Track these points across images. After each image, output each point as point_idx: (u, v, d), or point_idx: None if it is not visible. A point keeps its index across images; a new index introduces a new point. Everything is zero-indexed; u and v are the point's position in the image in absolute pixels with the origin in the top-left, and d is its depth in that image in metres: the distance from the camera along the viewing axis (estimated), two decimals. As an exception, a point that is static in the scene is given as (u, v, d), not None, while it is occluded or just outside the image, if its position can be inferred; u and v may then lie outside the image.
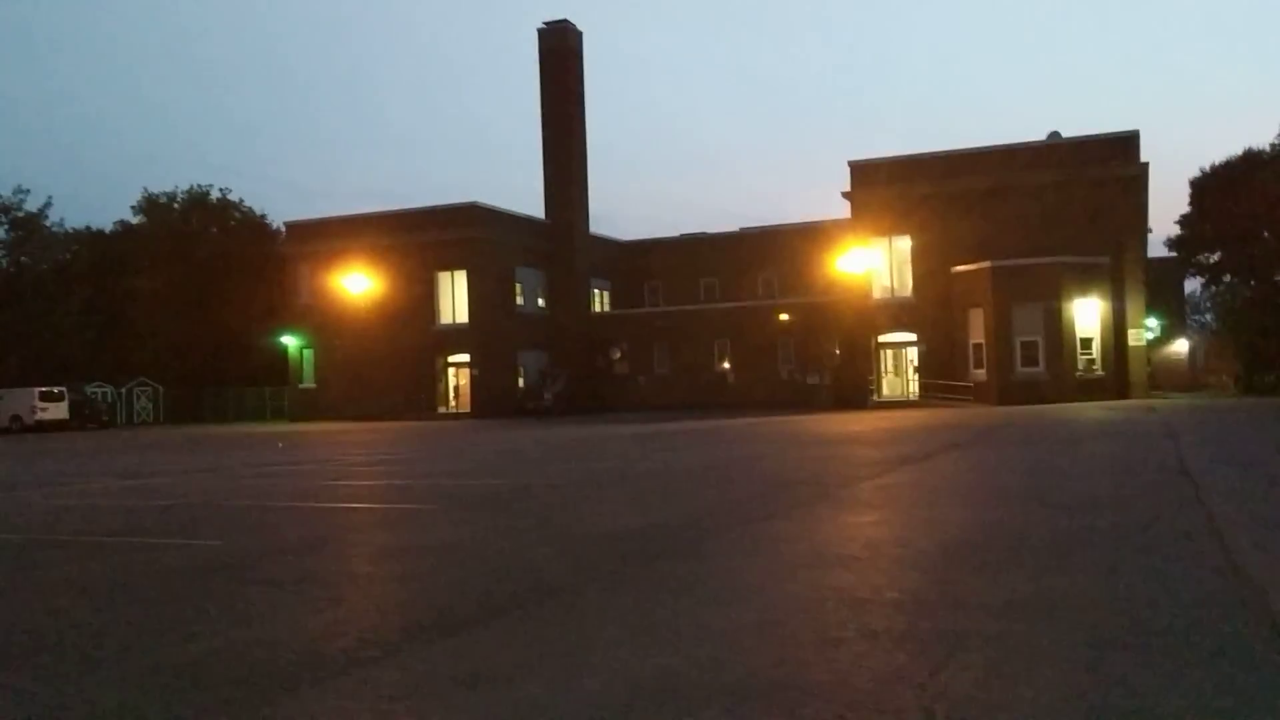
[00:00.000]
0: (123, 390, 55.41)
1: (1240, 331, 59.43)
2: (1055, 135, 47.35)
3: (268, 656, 5.08)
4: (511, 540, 8.88)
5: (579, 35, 58.15)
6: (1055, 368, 41.02)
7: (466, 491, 13.59)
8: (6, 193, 56.11)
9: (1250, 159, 59.05)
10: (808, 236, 56.07)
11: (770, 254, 58.88)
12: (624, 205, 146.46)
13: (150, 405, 56.56)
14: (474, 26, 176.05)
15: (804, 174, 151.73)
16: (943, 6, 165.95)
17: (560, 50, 57.03)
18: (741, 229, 63.45)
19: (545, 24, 57.42)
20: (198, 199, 62.47)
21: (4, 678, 4.89)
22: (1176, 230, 58.98)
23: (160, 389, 56.87)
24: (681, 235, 65.04)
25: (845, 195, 46.69)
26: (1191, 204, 58.43)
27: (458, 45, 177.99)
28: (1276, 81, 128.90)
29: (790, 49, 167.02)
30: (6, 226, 56.23)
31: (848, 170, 46.74)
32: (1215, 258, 61.33)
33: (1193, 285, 68.86)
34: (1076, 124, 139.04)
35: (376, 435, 35.06)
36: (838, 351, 49.33)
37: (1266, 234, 59.22)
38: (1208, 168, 59.26)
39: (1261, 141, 59.93)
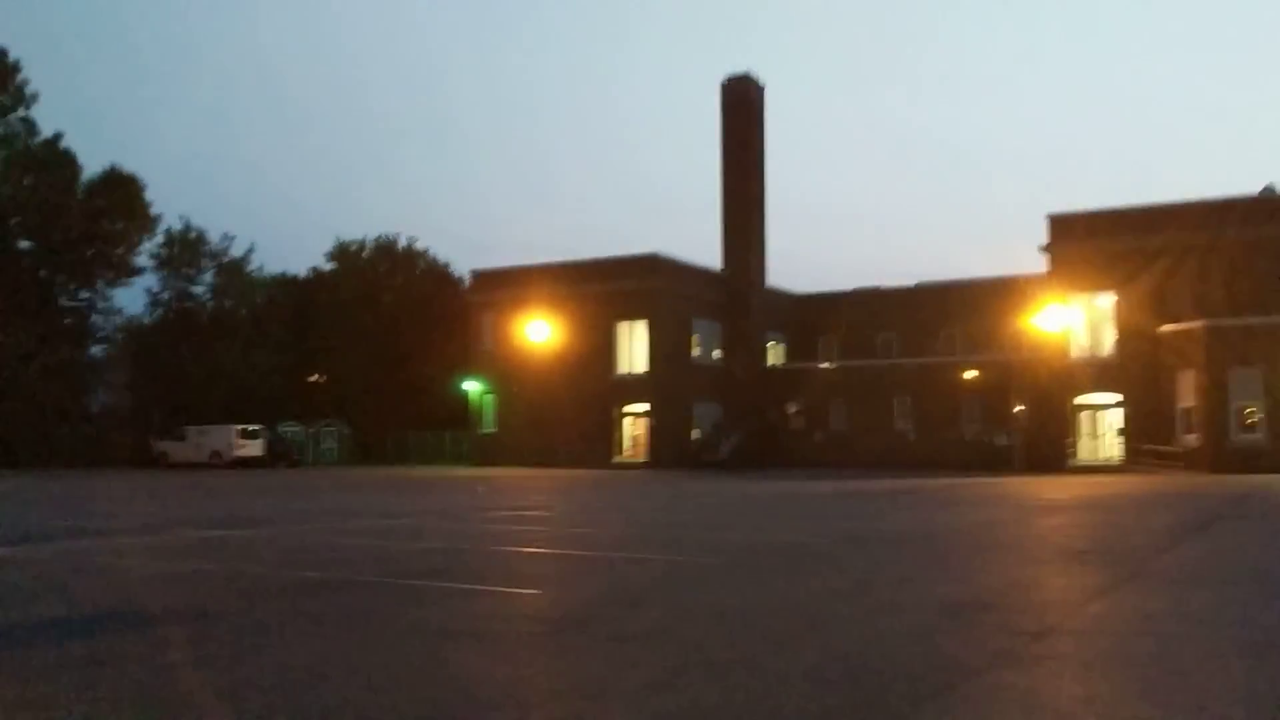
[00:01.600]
0: (311, 430, 57.32)
1: None
2: (1269, 189, 44.75)
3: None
4: (848, 605, 8.32)
5: (760, 89, 58.21)
6: (1277, 435, 38.33)
7: (729, 546, 13.09)
8: (215, 238, 59.35)
9: None
10: (993, 292, 54.33)
11: (952, 310, 57.24)
12: (801, 260, 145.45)
13: (336, 446, 58.33)
14: (653, 80, 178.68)
15: (990, 230, 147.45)
16: (1139, 58, 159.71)
17: (742, 104, 57.13)
18: (918, 283, 62.01)
19: (728, 78, 57.65)
20: (385, 247, 64.71)
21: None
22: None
23: (346, 430, 58.65)
24: (856, 289, 63.90)
25: (1044, 249, 45.03)
26: None
27: (637, 98, 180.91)
28: None
29: (979, 104, 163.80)
30: (214, 271, 59.36)
31: (1045, 224, 45.13)
32: None
33: None
34: None
35: (567, 482, 35.11)
36: (1017, 409, 47.24)
37: None
38: None
39: None
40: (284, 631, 7.08)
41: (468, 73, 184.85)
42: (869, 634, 7.00)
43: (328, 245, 65.32)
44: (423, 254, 65.71)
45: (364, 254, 64.44)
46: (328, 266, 64.23)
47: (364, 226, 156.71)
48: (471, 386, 56.69)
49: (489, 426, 56.61)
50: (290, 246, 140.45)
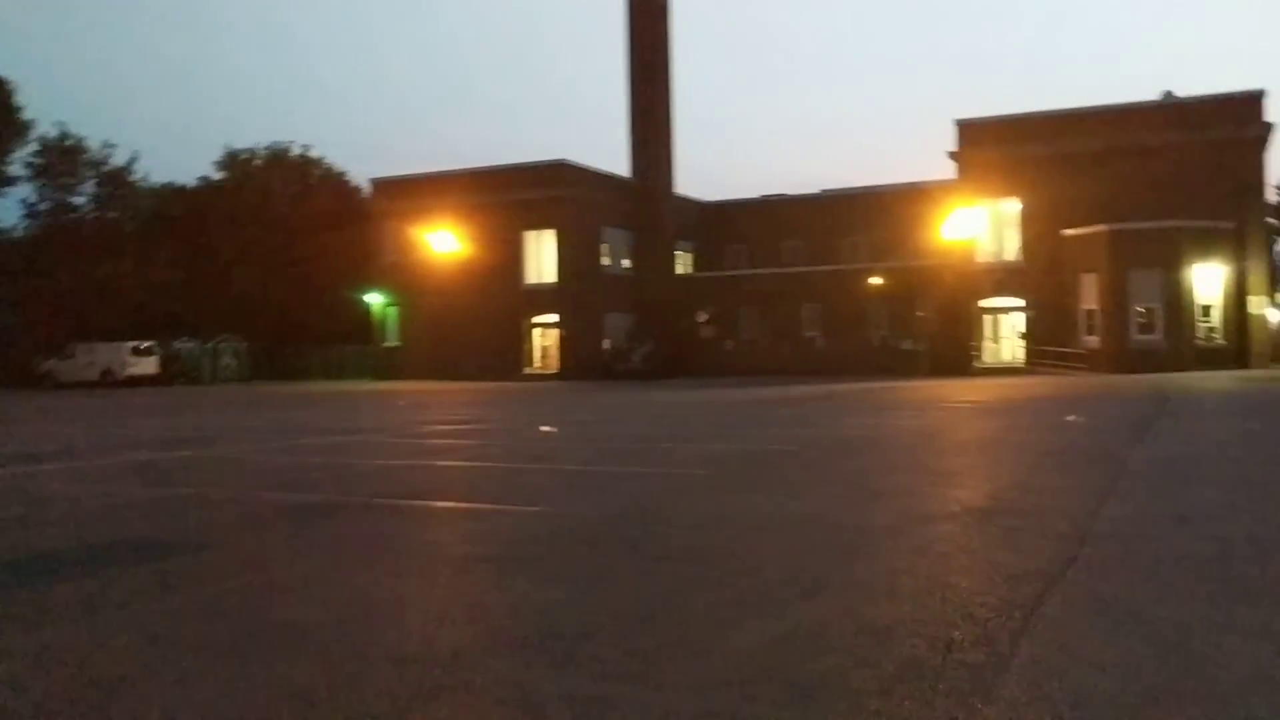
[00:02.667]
0: (207, 346, 55.20)
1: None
2: (1169, 95, 45.68)
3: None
4: (873, 516, 8.16)
5: (667, -10, 56.90)
6: (1174, 336, 39.74)
7: (707, 456, 12.86)
8: (95, 147, 55.90)
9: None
10: (900, 199, 54.94)
11: (858, 217, 57.61)
12: (711, 171, 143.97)
13: (234, 362, 56.32)
14: None
15: (902, 137, 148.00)
16: None
17: (648, 6, 55.85)
18: (823, 191, 62.24)
19: (634, -22, 56.19)
20: (278, 155, 62.04)
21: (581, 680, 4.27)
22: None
23: (243, 345, 56.66)
24: (763, 197, 63.80)
25: (952, 156, 45.39)
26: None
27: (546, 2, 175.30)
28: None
29: (888, 10, 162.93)
30: (96, 180, 56.10)
31: (954, 130, 45.45)
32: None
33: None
34: (1191, 83, 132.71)
35: (485, 395, 34.54)
36: (920, 315, 48.05)
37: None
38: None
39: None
40: (304, 563, 6.60)
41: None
42: (917, 544, 6.84)
43: (219, 154, 61.94)
44: (318, 162, 63.26)
45: (255, 163, 61.72)
46: (218, 176, 61.37)
47: (264, 135, 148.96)
48: (374, 299, 55.32)
49: (393, 340, 55.45)
50: (180, 155, 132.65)
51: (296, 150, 62.68)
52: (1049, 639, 4.62)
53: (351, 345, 56.70)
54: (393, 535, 7.48)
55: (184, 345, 53.89)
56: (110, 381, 48.85)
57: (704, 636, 4.72)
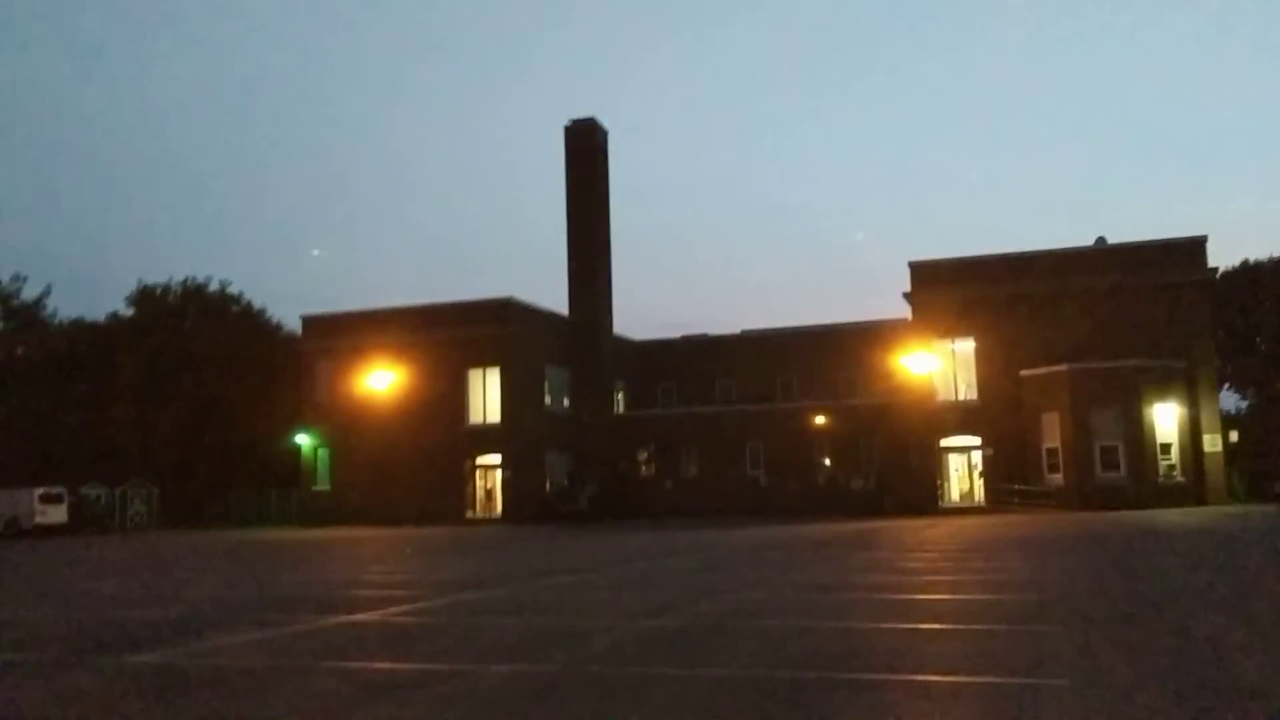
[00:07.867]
0: (116, 492, 51.33)
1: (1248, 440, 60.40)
2: (1101, 240, 47.75)
3: None
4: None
5: (605, 134, 57.67)
6: (1137, 473, 40.52)
7: (975, 610, 11.74)
8: (4, 279, 52.50)
9: (1249, 271, 60.96)
10: (835, 338, 55.75)
11: (788, 356, 58.00)
12: (640, 309, 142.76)
13: (145, 508, 52.45)
14: (500, 125, 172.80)
15: (843, 280, 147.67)
16: (986, 108, 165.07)
17: (586, 147, 56.47)
18: (743, 331, 62.44)
19: (572, 121, 56.87)
20: (194, 291, 59.37)
21: None
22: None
23: (155, 490, 52.92)
24: (692, 335, 63.73)
25: (906, 296, 46.23)
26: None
27: (483, 143, 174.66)
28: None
29: (831, 155, 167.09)
30: (1, 315, 52.37)
31: (908, 271, 46.39)
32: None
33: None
34: (1125, 227, 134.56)
35: (462, 540, 32.46)
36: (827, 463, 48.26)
37: (1263, 345, 60.85)
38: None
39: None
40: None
41: (292, 116, 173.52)
42: None
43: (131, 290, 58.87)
44: (237, 298, 60.77)
45: (170, 298, 58.92)
46: (129, 312, 58.24)
47: (177, 272, 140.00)
48: (303, 440, 52.57)
49: (323, 483, 52.57)
50: (90, 290, 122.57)
51: (214, 286, 60.13)
52: None
53: (276, 489, 53.55)
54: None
55: (92, 491, 49.96)
56: (14, 532, 44.66)
57: None
